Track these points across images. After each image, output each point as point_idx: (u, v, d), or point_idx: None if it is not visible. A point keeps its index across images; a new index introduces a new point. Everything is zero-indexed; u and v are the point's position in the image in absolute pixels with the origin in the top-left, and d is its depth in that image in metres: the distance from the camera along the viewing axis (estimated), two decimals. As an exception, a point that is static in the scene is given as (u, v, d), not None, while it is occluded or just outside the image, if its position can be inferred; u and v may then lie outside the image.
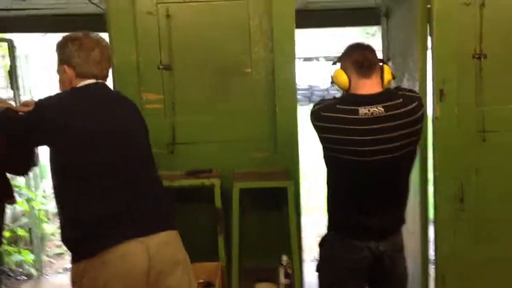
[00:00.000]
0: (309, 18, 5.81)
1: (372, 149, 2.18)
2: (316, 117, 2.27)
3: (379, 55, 2.43)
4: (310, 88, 17.69)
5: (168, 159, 2.95)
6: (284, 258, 2.77)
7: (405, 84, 3.23)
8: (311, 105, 2.39)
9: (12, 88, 4.47)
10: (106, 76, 2.17)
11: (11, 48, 4.63)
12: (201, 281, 2.58)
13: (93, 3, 3.47)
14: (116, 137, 2.06)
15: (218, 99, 3.00)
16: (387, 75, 2.31)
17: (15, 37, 4.84)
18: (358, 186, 2.26)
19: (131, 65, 2.91)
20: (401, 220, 2.37)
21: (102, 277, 1.91)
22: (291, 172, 2.93)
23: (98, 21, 3.59)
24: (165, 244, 2.02)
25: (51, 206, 4.92)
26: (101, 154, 2.00)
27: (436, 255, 3.01)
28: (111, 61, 2.21)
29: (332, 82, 2.38)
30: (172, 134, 2.97)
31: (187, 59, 2.97)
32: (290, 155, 2.98)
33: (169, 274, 2.01)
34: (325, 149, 2.31)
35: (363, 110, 2.17)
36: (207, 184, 2.73)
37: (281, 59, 2.94)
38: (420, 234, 3.05)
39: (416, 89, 3.01)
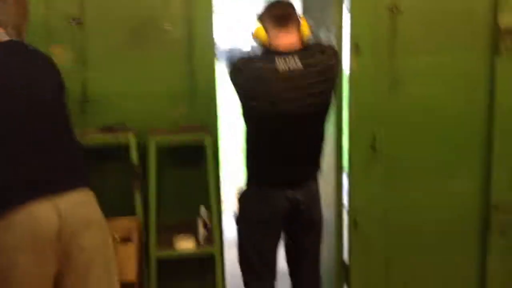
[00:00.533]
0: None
1: (289, 102, 2.21)
2: (236, 70, 2.26)
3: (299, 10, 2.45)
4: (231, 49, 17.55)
5: (79, 117, 2.81)
6: (203, 209, 2.78)
7: (322, 39, 3.27)
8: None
9: None
10: (18, 27, 2.04)
11: None
12: (118, 237, 2.54)
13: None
14: (25, 93, 1.93)
15: (133, 54, 2.89)
16: (306, 30, 2.33)
17: None
18: (277, 137, 2.29)
19: (39, 17, 2.73)
20: (317, 168, 2.43)
21: (8, 239, 1.82)
22: (210, 127, 2.91)
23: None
24: (78, 204, 1.95)
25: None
26: (5, 112, 1.88)
27: (349, 201, 3.13)
28: (27, 12, 2.08)
29: (253, 38, 2.38)
30: (84, 90, 2.85)
31: (100, 12, 2.82)
32: (209, 111, 2.95)
33: (82, 235, 1.93)
34: (242, 104, 2.31)
35: (281, 64, 2.19)
36: (122, 141, 2.66)
37: (200, 15, 2.88)
38: (335, 182, 3.16)
39: (333, 43, 3.06)
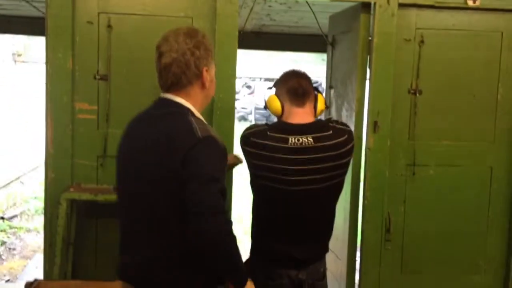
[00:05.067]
0: (263, 40, 5.90)
1: (298, 178, 2.18)
2: (246, 142, 2.26)
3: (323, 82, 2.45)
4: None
5: (98, 172, 2.87)
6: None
7: (344, 113, 3.28)
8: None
9: None
10: (170, 88, 1.87)
11: None
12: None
13: (34, 6, 3.37)
14: (127, 169, 1.91)
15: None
16: (320, 105, 2.33)
17: None
18: (283, 214, 2.25)
19: (66, 72, 2.81)
20: (324, 249, 2.37)
21: None
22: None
23: (39, 24, 3.52)
24: None
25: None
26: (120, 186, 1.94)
27: (360, 282, 3.04)
28: (184, 67, 1.83)
29: (266, 107, 2.39)
30: (104, 146, 2.89)
31: (125, 71, 2.89)
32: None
33: None
34: (252, 175, 2.30)
35: (292, 140, 2.18)
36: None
37: (222, 79, 2.91)
38: (347, 260, 3.08)
39: (353, 119, 3.07)
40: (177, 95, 1.86)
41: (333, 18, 3.65)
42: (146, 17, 2.90)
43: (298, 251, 2.26)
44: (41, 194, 7.41)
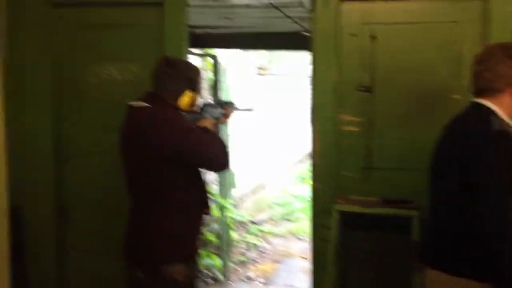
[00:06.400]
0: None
1: None
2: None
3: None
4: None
5: (361, 184, 2.86)
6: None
7: None
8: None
9: (214, 100, 4.75)
10: (480, 93, 2.02)
11: (216, 62, 4.97)
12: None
13: (296, 22, 3.53)
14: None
15: (419, 125, 2.82)
16: None
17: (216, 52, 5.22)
18: None
19: (330, 85, 2.88)
20: None
21: None
22: None
23: (297, 39, 3.68)
24: None
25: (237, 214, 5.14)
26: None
27: None
28: (495, 74, 1.95)
29: None
30: (368, 158, 2.87)
31: (389, 82, 2.84)
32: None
33: None
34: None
35: None
36: (406, 215, 2.56)
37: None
38: None
39: None
40: (487, 100, 1.96)
41: None
42: (410, 25, 2.82)
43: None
44: (282, 201, 7.88)
